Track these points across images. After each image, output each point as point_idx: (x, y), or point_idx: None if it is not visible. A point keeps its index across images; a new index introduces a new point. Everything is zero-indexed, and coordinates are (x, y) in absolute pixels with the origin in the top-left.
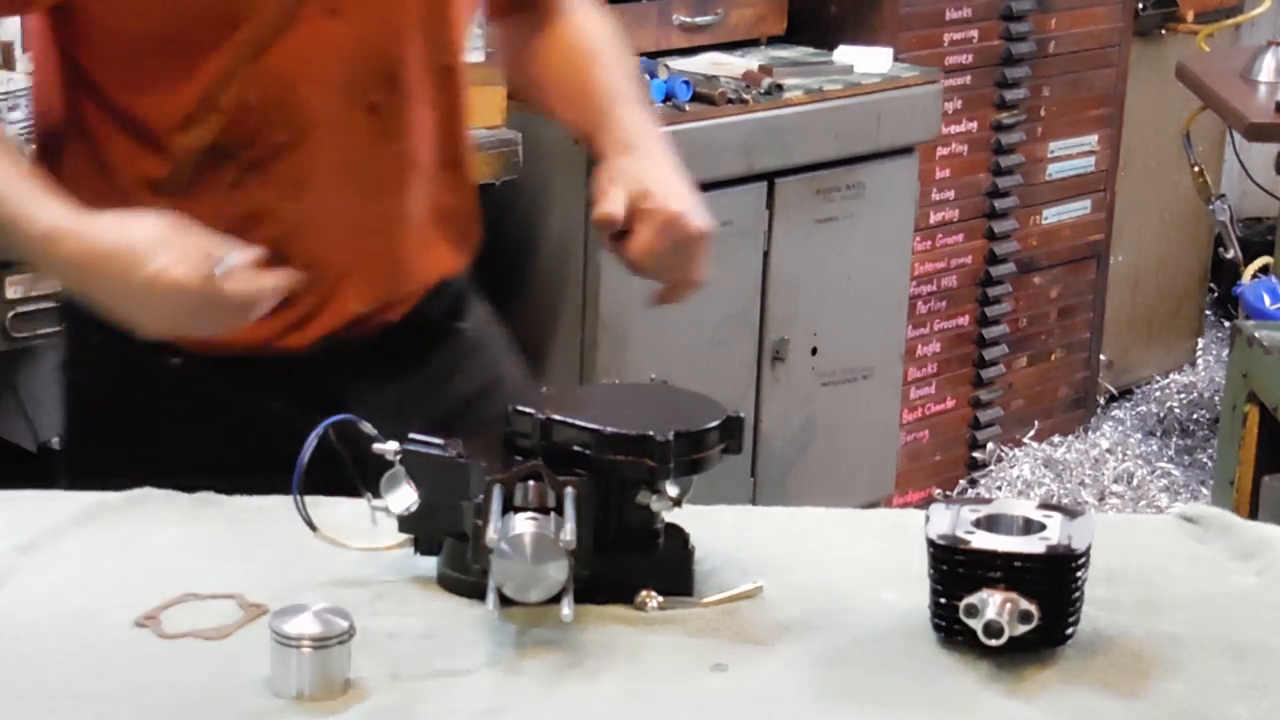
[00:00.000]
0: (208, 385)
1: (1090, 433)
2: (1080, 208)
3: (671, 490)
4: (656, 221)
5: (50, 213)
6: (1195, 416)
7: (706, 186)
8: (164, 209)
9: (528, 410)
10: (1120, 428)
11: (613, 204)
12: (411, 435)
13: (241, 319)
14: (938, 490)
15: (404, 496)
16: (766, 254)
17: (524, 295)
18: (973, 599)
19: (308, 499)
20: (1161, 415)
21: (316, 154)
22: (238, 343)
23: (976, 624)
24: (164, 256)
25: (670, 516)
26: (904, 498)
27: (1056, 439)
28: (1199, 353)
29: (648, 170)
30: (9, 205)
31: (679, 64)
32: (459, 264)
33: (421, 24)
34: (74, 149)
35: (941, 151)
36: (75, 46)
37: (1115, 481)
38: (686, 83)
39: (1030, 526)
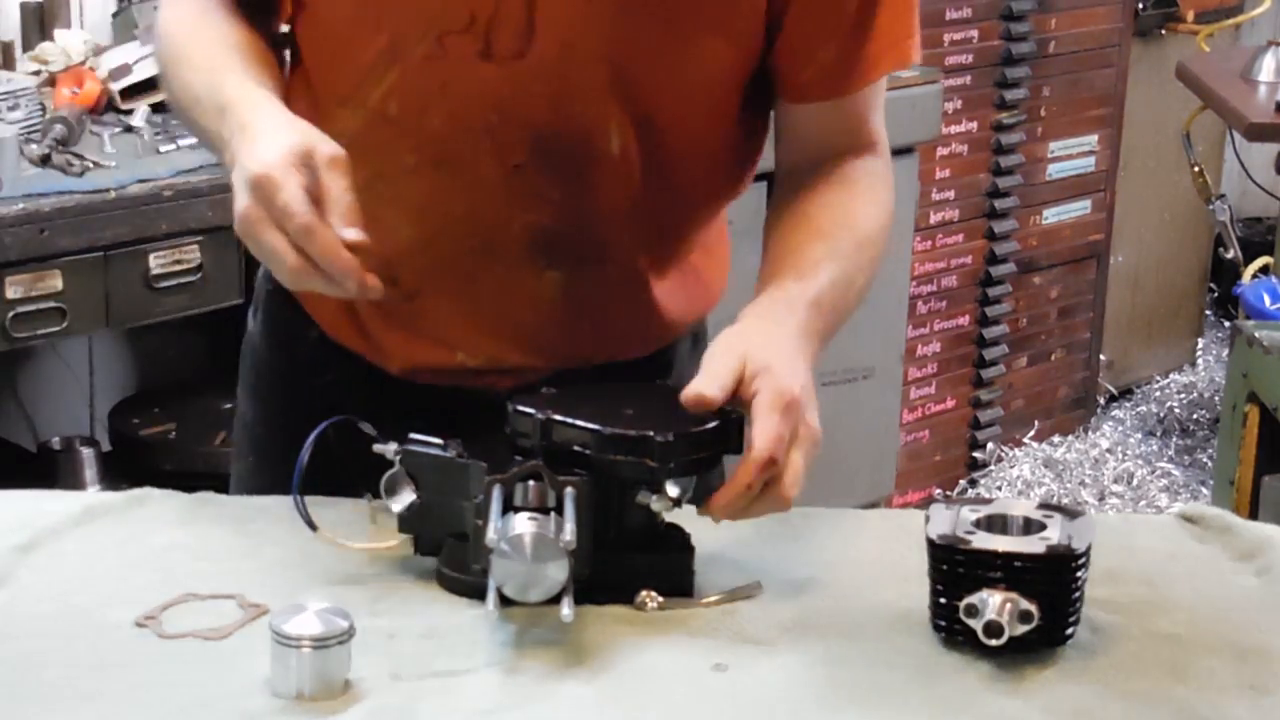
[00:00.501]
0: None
1: (1090, 433)
2: (1080, 208)
3: (671, 490)
4: (777, 406)
5: (241, 89)
6: (1195, 416)
7: None
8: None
9: (528, 410)
10: (1120, 428)
11: (711, 382)
12: (411, 435)
13: (301, 280)
14: (938, 490)
15: (404, 496)
16: None
17: None
18: (973, 599)
19: (308, 499)
20: (1161, 415)
21: (440, 192)
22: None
23: (976, 624)
24: (246, 198)
25: (670, 516)
26: (904, 498)
27: (1056, 439)
28: (1199, 353)
29: (772, 345)
30: (218, 75)
31: None
32: (620, 352)
33: (610, 98)
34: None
35: (941, 151)
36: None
37: (1115, 481)
38: None
39: (1030, 526)
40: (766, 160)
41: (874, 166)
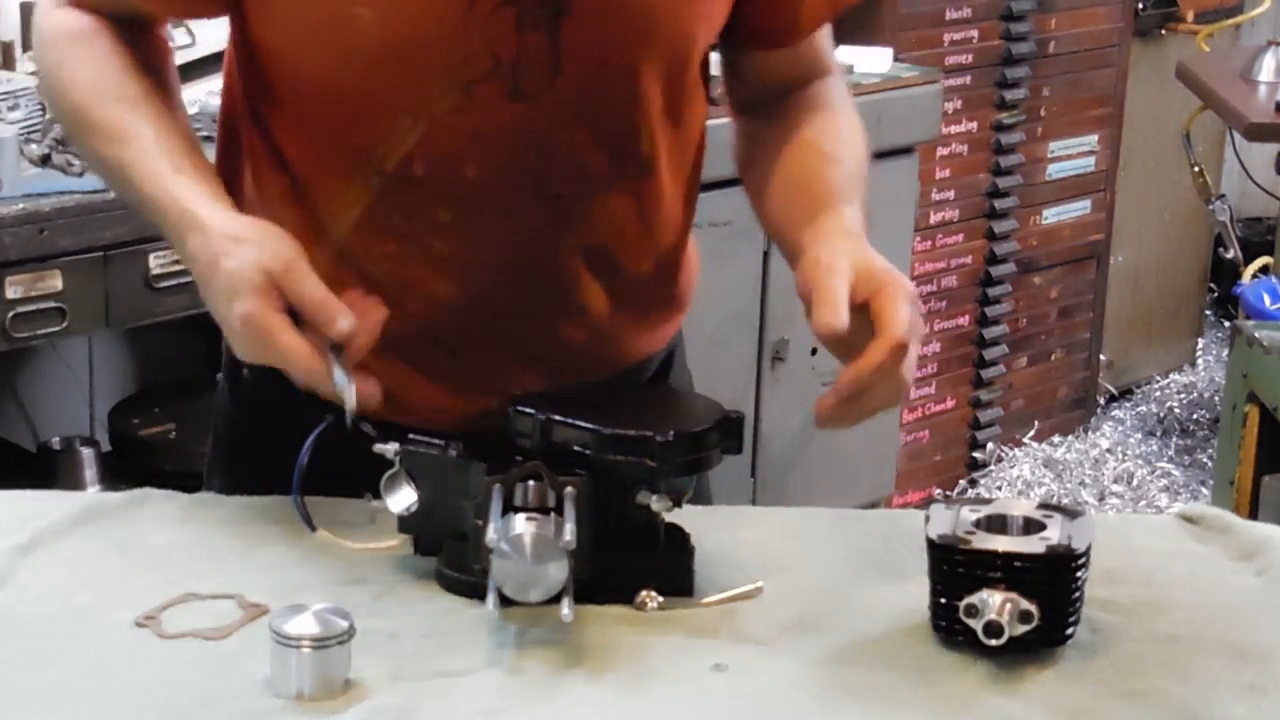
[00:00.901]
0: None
1: (1090, 433)
2: (1080, 208)
3: (671, 490)
4: (905, 296)
5: (191, 194)
6: (1195, 416)
7: (707, 186)
8: (319, 263)
9: (528, 410)
10: (1120, 428)
11: (836, 308)
12: (411, 435)
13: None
14: (938, 490)
15: (404, 496)
16: (766, 254)
17: None
18: (973, 599)
19: (308, 499)
20: (1161, 415)
21: (482, 241)
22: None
23: (976, 624)
24: (254, 298)
25: (670, 516)
26: (904, 498)
27: (1056, 439)
28: (1199, 353)
29: (866, 252)
30: (162, 179)
31: None
32: (649, 349)
33: (640, 102)
34: (235, 165)
35: (941, 151)
36: (249, 74)
37: (1115, 481)
38: None
39: (1030, 526)
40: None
41: (839, 87)
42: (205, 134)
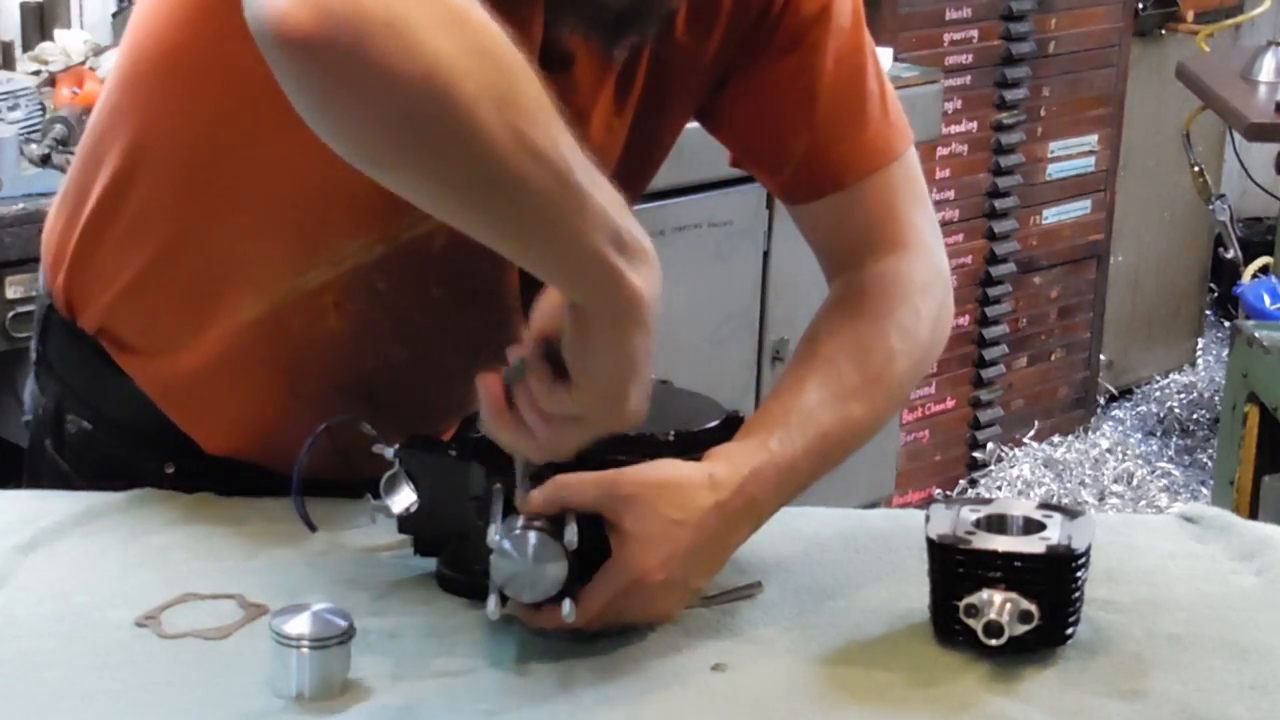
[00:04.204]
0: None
1: (1090, 433)
2: (1080, 208)
3: None
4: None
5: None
6: (1195, 416)
7: (706, 186)
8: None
9: None
10: (1120, 428)
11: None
12: (411, 435)
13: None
14: (938, 490)
15: (404, 496)
16: (766, 254)
17: None
18: (973, 599)
19: (308, 499)
20: (1161, 415)
21: (448, 311)
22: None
23: (976, 624)
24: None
25: None
26: (904, 498)
27: (1056, 439)
28: (1199, 353)
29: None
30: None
31: None
32: None
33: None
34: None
35: (941, 151)
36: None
37: (1115, 481)
38: None
39: (1030, 526)
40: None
41: (896, 268)
42: None
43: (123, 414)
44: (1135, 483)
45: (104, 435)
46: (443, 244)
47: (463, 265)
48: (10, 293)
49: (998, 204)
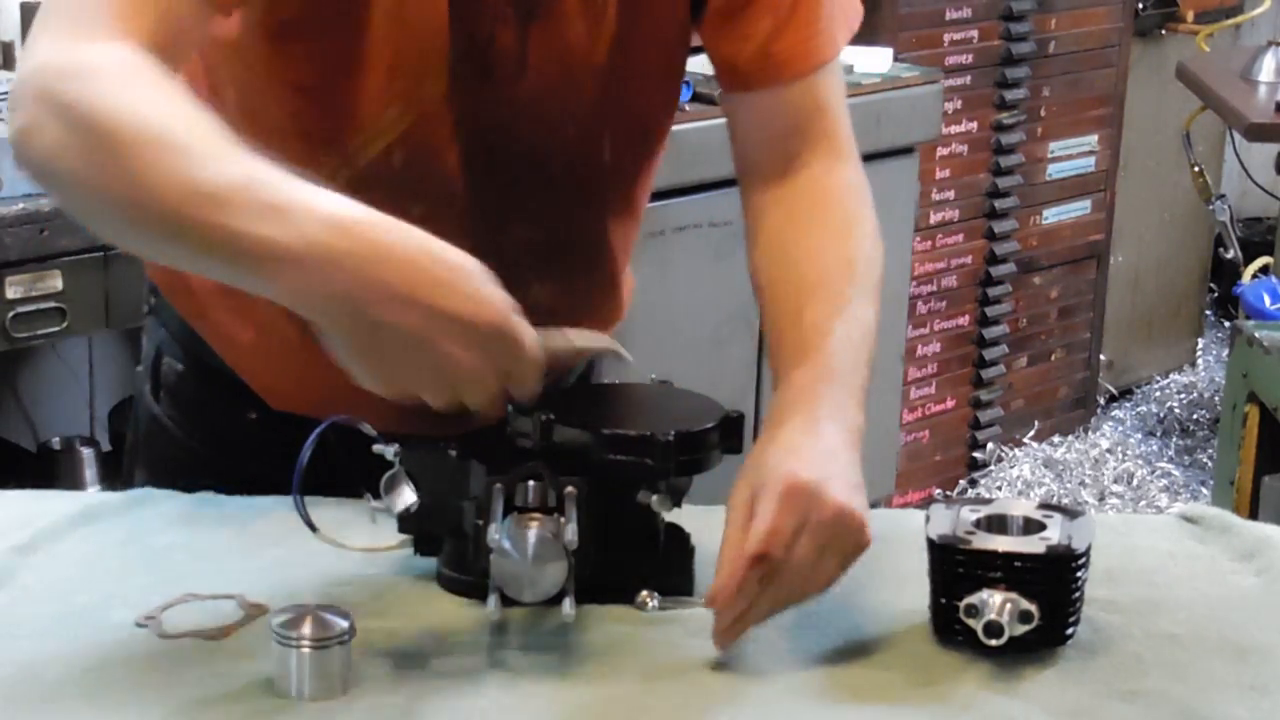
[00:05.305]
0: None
1: (1090, 433)
2: (1080, 208)
3: (671, 490)
4: (773, 496)
5: (331, 199)
6: (1195, 416)
7: (706, 186)
8: None
9: (528, 410)
10: (1120, 428)
11: (725, 580)
12: (412, 435)
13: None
14: (938, 490)
15: (404, 496)
16: None
17: None
18: (973, 599)
19: (308, 499)
20: (1161, 415)
21: (446, 235)
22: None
23: (976, 624)
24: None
25: (670, 516)
26: (904, 498)
27: (1056, 439)
28: (1199, 353)
29: (772, 453)
30: (280, 190)
31: None
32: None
33: (602, 114)
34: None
35: (941, 151)
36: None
37: (1115, 481)
38: (687, 83)
39: (1030, 526)
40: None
41: (847, 177)
42: None
43: (212, 359)
44: (1135, 483)
45: (195, 378)
46: (402, 158)
47: (425, 173)
48: (10, 293)
49: (998, 204)
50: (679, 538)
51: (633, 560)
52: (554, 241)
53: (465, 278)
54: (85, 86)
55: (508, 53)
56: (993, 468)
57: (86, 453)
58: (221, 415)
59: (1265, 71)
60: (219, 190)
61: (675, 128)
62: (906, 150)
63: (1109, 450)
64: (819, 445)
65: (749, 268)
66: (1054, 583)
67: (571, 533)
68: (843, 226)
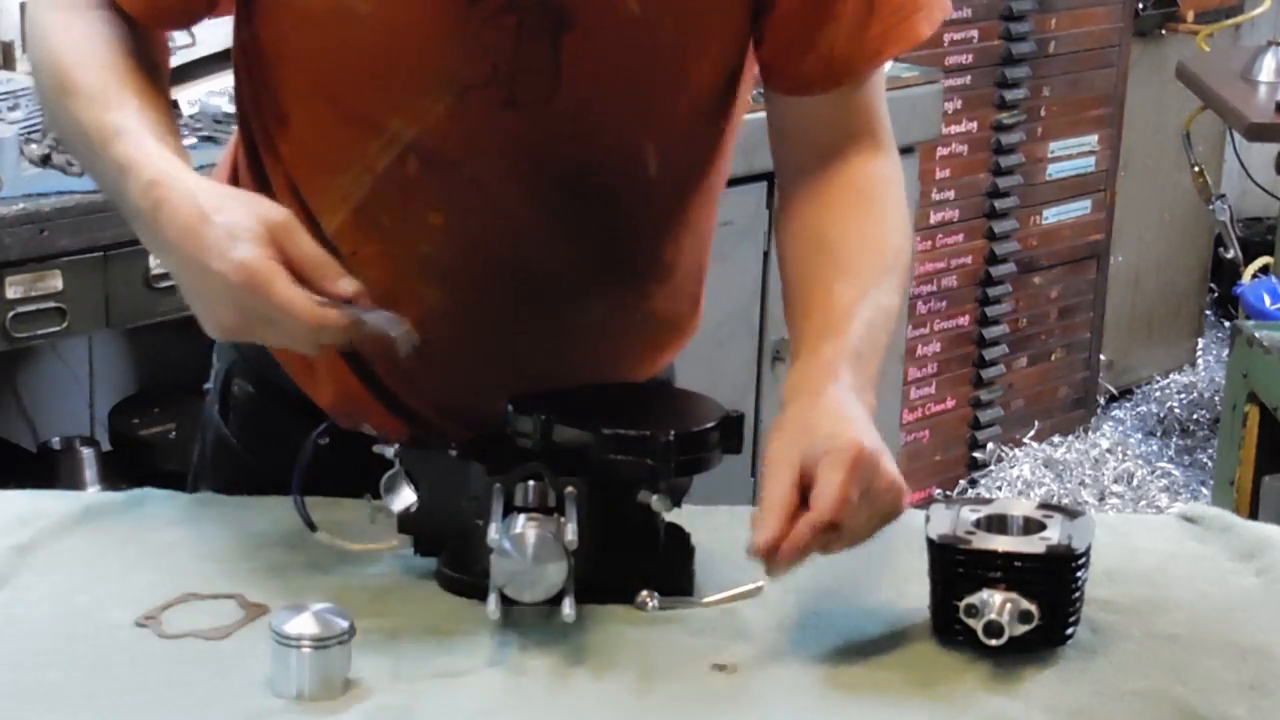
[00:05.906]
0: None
1: (1090, 433)
2: (1080, 208)
3: (671, 490)
4: (841, 464)
5: (173, 164)
6: (1195, 416)
7: None
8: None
9: (528, 410)
10: (1120, 428)
11: (768, 532)
12: (412, 435)
13: (305, 344)
14: (938, 490)
15: (404, 496)
16: (766, 254)
17: None
18: (973, 599)
19: (308, 499)
20: (1161, 415)
21: (474, 247)
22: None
23: (976, 624)
24: (255, 246)
25: (670, 516)
26: None
27: (1056, 439)
28: (1199, 353)
29: (820, 419)
30: (144, 145)
31: None
32: (646, 374)
33: (642, 124)
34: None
35: (941, 151)
36: (247, 71)
37: (1115, 481)
38: None
39: (1030, 526)
40: (765, 161)
41: (885, 170)
42: (206, 134)
43: (284, 380)
44: (1135, 483)
45: (266, 401)
46: (416, 166)
47: (446, 184)
48: (10, 293)
49: (998, 204)
50: (679, 538)
51: (633, 560)
52: (606, 261)
53: (225, 237)
54: (47, 20)
55: (536, 73)
56: (993, 468)
57: (86, 453)
58: (292, 438)
59: (1265, 71)
60: (91, 138)
61: None
62: (906, 150)
63: (1109, 450)
64: (866, 417)
65: (776, 243)
66: (1054, 583)
67: (571, 533)
68: (878, 215)
